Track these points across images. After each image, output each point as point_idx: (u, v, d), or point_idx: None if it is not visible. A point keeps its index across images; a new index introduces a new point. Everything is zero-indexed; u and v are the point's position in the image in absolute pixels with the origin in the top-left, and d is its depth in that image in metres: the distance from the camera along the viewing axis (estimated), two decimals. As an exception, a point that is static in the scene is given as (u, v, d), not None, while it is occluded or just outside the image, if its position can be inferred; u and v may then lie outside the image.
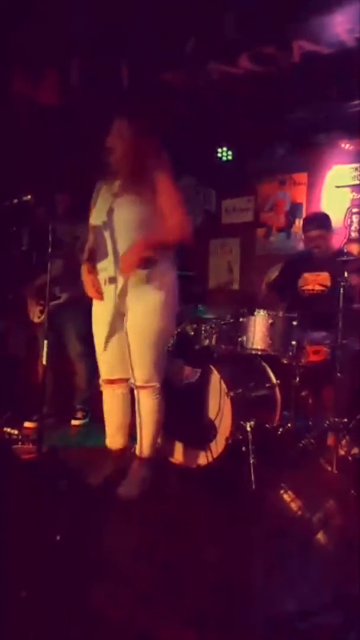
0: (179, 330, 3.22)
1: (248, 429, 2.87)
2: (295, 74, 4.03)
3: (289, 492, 2.76)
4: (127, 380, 2.70)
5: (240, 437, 2.89)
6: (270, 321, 3.17)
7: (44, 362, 2.66)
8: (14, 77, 4.23)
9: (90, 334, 2.76)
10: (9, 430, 3.43)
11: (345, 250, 3.39)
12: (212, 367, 3.02)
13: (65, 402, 4.04)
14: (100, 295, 2.63)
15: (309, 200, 5.12)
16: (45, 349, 2.63)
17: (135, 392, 2.64)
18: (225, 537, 2.26)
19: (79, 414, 4.03)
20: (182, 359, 3.09)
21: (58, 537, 2.02)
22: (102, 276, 2.62)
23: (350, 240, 4.45)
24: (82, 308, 2.92)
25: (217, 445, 2.92)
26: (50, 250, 2.58)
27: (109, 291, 2.60)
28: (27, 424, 3.72)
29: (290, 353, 3.19)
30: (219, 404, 2.95)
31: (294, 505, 2.64)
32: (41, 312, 3.87)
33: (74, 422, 4.00)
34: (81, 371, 4.01)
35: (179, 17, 3.65)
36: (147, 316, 2.55)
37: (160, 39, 3.86)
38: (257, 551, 2.15)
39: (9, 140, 4.11)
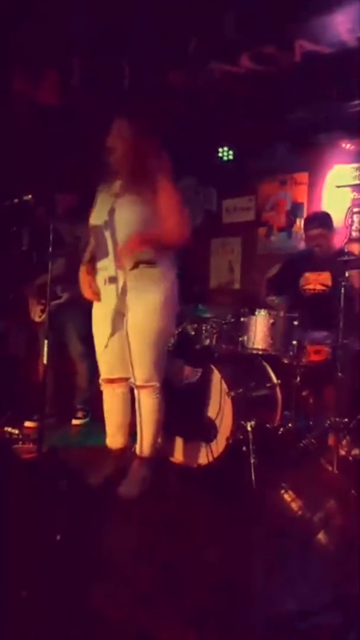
0: (179, 329, 3.21)
1: (249, 428, 2.87)
2: (296, 74, 4.03)
3: (290, 492, 2.75)
4: (127, 379, 2.69)
5: (241, 436, 2.89)
6: (271, 321, 3.17)
7: (45, 361, 2.66)
8: (14, 77, 4.24)
9: (91, 333, 2.76)
10: (9, 429, 3.43)
11: (346, 250, 3.39)
12: (212, 366, 3.02)
13: (66, 401, 4.04)
14: (97, 297, 2.63)
15: (310, 200, 5.12)
16: (46, 349, 2.63)
17: (136, 391, 2.64)
18: (226, 537, 2.26)
19: (80, 414, 4.03)
20: (182, 359, 3.08)
21: (58, 537, 2.01)
22: (102, 275, 2.62)
23: (351, 239, 4.46)
24: (84, 308, 2.92)
25: (218, 445, 2.92)
26: (50, 250, 2.58)
27: (110, 291, 2.60)
28: (27, 424, 3.73)
29: (291, 353, 3.19)
30: (219, 404, 2.95)
31: (294, 505, 2.64)
32: (42, 311, 3.87)
33: (75, 422, 4.00)
34: (82, 371, 4.01)
35: (179, 17, 3.66)
36: (148, 316, 2.55)
37: (160, 39, 3.86)
38: (258, 551, 2.15)
39: (9, 140, 4.11)
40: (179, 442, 3.06)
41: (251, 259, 5.50)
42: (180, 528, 2.29)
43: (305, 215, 5.01)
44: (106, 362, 2.71)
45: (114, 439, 2.79)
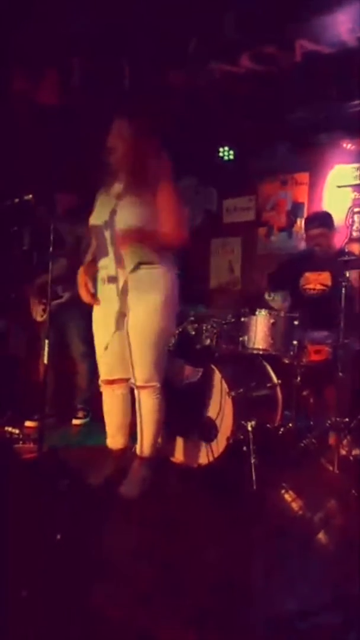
0: (180, 329, 3.22)
1: (249, 428, 2.87)
2: (296, 74, 4.03)
3: (290, 492, 2.75)
4: (126, 380, 2.69)
5: (242, 436, 2.89)
6: (271, 321, 3.17)
7: (45, 361, 2.66)
8: (14, 77, 4.24)
9: (92, 333, 2.75)
10: (10, 429, 3.43)
11: (346, 250, 3.39)
12: (213, 366, 3.02)
13: (66, 401, 4.04)
14: (92, 299, 2.63)
15: (311, 199, 5.12)
16: (46, 348, 2.63)
17: (136, 392, 2.64)
18: (226, 537, 2.26)
19: (80, 414, 4.04)
20: (183, 359, 3.08)
21: (58, 537, 2.01)
22: (102, 274, 2.62)
23: (351, 239, 4.44)
24: (85, 308, 2.92)
25: (218, 445, 2.92)
26: (51, 249, 2.58)
27: (110, 291, 2.60)
28: (28, 423, 3.73)
29: (292, 353, 3.19)
30: (220, 404, 2.95)
31: (295, 505, 2.64)
32: (44, 310, 3.87)
33: (75, 422, 4.00)
34: (83, 371, 4.01)
35: (179, 17, 3.66)
36: (149, 316, 2.54)
37: (160, 39, 3.86)
38: (258, 551, 2.15)
39: (9, 140, 4.12)
40: (179, 442, 3.06)
41: (251, 259, 5.49)
42: (181, 528, 2.29)
43: (305, 215, 5.01)
44: (106, 363, 2.71)
45: (114, 439, 2.79)
